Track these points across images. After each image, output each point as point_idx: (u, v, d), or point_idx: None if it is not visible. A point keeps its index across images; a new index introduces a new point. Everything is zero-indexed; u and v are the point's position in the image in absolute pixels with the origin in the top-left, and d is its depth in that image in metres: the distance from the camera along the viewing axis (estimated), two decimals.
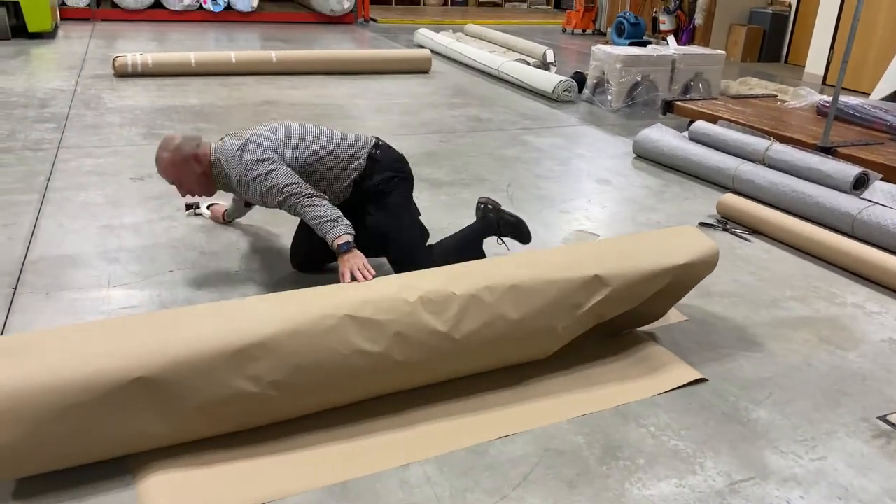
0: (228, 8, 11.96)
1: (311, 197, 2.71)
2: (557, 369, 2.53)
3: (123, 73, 7.18)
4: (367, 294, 2.24)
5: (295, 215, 2.75)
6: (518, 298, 2.33)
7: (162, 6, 11.63)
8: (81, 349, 1.92)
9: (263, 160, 2.73)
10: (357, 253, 2.60)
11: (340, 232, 2.64)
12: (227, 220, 3.66)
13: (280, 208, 2.77)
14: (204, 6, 11.77)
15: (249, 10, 12.05)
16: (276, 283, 3.10)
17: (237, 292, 3.01)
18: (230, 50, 9.07)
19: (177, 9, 11.66)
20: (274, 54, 7.79)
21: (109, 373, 1.88)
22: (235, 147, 2.78)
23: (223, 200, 3.72)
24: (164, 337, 1.98)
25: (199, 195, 2.92)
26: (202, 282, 3.10)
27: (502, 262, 2.48)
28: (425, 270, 2.46)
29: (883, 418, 2.37)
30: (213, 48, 9.38)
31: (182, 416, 1.96)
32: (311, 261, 3.19)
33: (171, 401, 1.93)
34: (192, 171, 2.82)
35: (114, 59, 7.24)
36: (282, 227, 3.66)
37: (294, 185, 2.71)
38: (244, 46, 9.64)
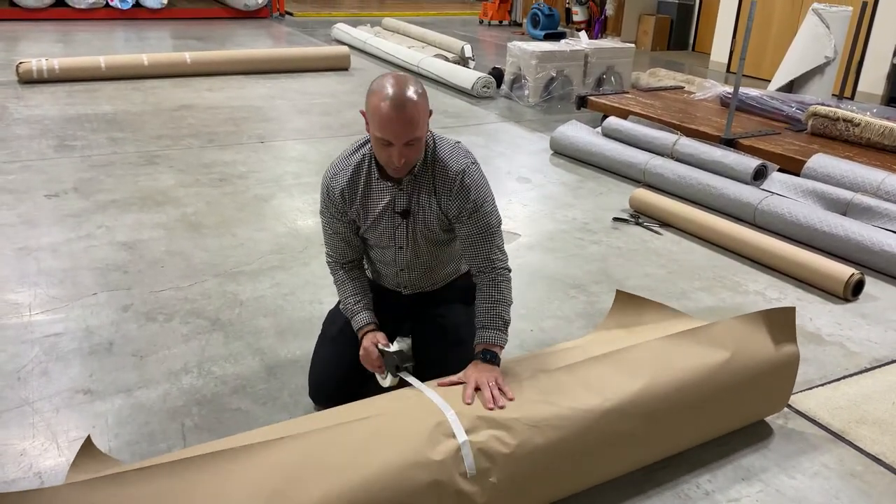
0: (137, 5, 11.55)
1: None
2: None
3: (29, 80, 6.91)
4: None
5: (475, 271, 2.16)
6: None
7: (65, 4, 11.08)
8: None
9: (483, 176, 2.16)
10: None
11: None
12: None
13: (465, 254, 2.16)
14: (111, 3, 11.33)
15: (159, 6, 11.67)
16: (202, 296, 3.12)
17: (166, 312, 3.01)
18: (141, 50, 8.83)
19: (81, 7, 11.14)
20: (188, 55, 7.64)
21: None
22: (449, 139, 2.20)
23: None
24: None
25: (407, 171, 2.05)
26: (129, 304, 3.08)
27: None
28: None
29: None
30: (122, 49, 9.09)
31: None
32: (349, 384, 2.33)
33: None
34: (425, 131, 2.01)
35: (17, 65, 6.95)
36: (207, 238, 3.66)
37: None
38: (155, 46, 9.38)
